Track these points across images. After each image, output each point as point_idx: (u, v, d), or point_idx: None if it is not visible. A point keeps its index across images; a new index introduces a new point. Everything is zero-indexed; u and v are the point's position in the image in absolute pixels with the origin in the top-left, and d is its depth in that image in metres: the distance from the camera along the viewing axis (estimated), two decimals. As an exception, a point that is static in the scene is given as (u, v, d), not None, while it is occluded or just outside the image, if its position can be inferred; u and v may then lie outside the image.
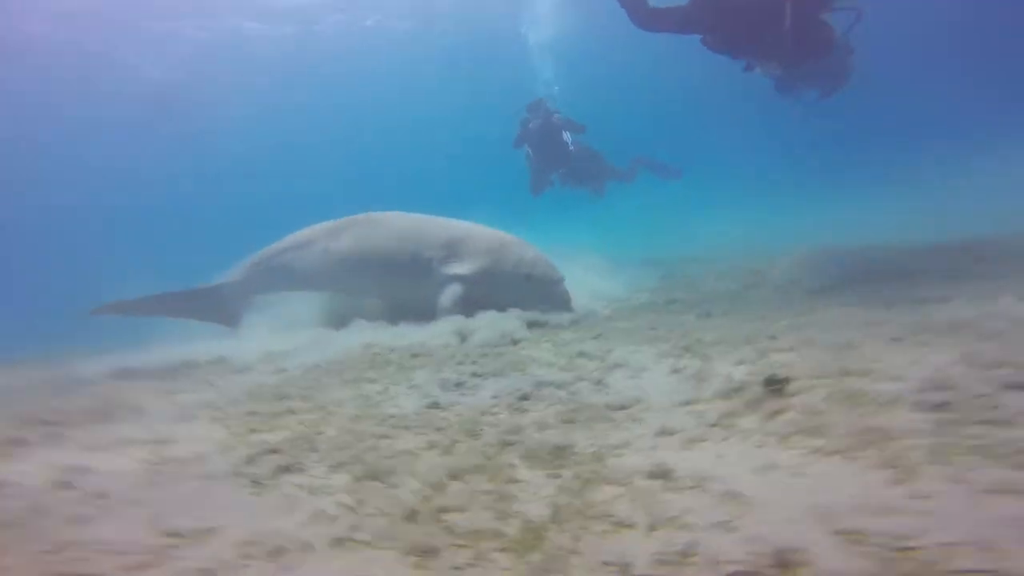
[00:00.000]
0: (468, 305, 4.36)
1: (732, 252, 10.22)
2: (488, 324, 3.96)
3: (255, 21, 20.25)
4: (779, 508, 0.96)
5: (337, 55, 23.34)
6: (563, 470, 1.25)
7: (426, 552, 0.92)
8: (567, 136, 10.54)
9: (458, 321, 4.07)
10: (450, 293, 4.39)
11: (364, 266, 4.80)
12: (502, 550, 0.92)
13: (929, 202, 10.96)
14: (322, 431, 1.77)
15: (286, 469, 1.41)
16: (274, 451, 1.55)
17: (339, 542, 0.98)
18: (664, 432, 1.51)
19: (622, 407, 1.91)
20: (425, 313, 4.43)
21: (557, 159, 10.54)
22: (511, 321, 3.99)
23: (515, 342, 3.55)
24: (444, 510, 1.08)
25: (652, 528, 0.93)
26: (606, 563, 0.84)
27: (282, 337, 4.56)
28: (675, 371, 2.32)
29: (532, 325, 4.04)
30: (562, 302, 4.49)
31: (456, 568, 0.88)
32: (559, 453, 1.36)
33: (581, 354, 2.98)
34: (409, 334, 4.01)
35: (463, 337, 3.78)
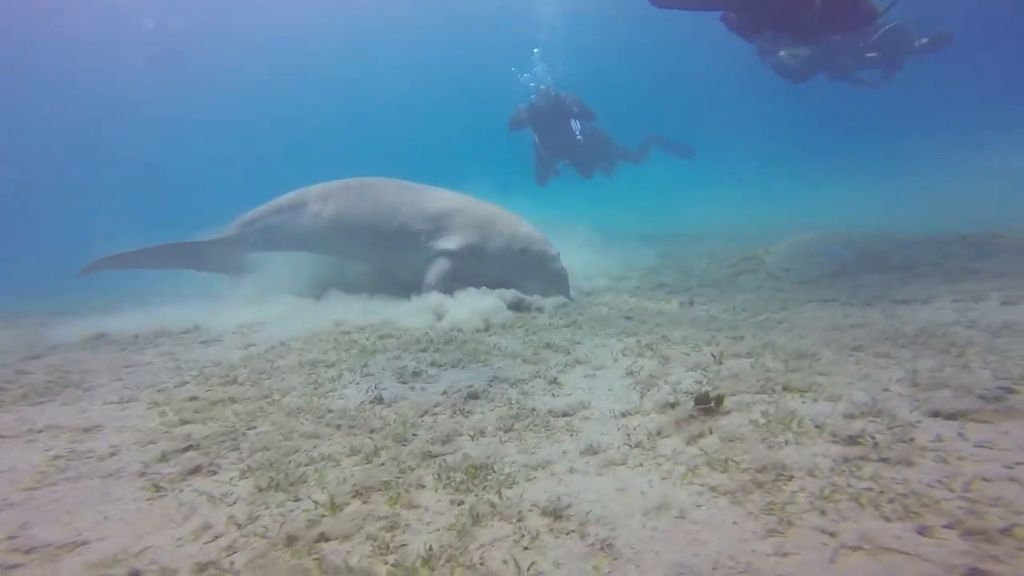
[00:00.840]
0: (458, 280, 4.24)
1: (735, 232, 10.08)
2: (467, 303, 3.89)
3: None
4: (642, 566, 0.91)
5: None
6: (469, 495, 1.21)
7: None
8: (575, 124, 9.90)
9: (437, 298, 4.01)
10: (437, 268, 4.25)
11: (352, 234, 4.69)
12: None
13: (947, 190, 10.56)
14: (255, 425, 1.74)
15: (196, 471, 1.38)
16: (194, 448, 1.52)
17: (202, 568, 0.95)
18: (589, 451, 1.46)
19: (564, 414, 1.86)
20: (413, 282, 4.35)
21: (565, 147, 9.90)
22: (492, 301, 3.88)
23: (488, 326, 3.48)
24: (326, 538, 1.04)
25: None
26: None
27: (263, 305, 4.54)
28: (630, 373, 2.26)
29: (513, 306, 3.94)
30: (558, 280, 4.28)
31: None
32: (475, 473, 1.31)
33: (548, 345, 2.92)
34: (385, 309, 3.97)
35: (439, 316, 3.73)
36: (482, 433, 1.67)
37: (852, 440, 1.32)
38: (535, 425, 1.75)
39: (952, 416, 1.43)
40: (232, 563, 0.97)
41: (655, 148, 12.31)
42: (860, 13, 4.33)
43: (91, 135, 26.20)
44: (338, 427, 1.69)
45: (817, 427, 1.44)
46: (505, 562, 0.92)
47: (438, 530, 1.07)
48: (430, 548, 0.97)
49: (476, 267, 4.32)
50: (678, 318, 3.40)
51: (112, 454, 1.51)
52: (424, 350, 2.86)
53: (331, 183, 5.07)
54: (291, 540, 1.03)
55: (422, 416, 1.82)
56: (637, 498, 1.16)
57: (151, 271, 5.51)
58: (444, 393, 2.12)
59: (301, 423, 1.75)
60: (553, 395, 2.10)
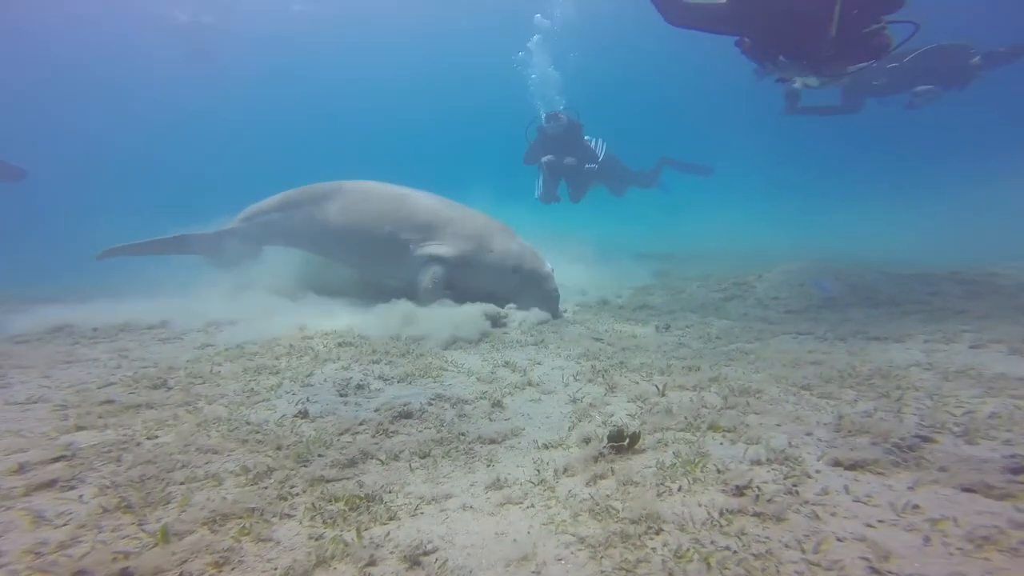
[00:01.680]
0: (450, 290, 4.19)
1: (737, 252, 10.00)
2: (443, 315, 3.82)
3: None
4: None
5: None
6: (332, 528, 1.12)
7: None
8: (599, 143, 9.70)
9: (406, 307, 3.93)
10: (430, 274, 4.17)
11: (343, 239, 4.66)
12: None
13: (960, 220, 10.37)
14: (157, 435, 1.66)
15: (49, 485, 1.30)
16: (66, 459, 1.44)
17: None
18: (495, 485, 1.37)
19: (492, 441, 1.77)
20: (401, 288, 4.31)
21: (570, 172, 9.43)
22: (469, 315, 3.78)
23: (455, 340, 3.39)
24: (128, 574, 0.94)
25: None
26: None
27: (240, 302, 4.50)
28: (572, 400, 2.16)
29: (494, 321, 3.84)
30: (550, 299, 4.20)
31: None
32: (356, 504, 1.22)
33: (507, 363, 2.83)
34: (355, 315, 3.90)
35: (409, 322, 3.66)
36: (395, 458, 1.57)
37: (739, 490, 1.25)
38: (456, 452, 1.66)
39: (852, 466, 1.38)
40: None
41: (667, 170, 12.25)
42: (871, 47, 4.26)
43: (115, 128, 26.74)
44: (244, 442, 1.59)
45: (719, 472, 1.38)
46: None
47: (273, 570, 0.97)
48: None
49: (467, 278, 4.26)
50: (647, 343, 3.29)
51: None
52: (376, 362, 2.77)
53: (324, 185, 5.03)
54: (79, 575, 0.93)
55: (341, 435, 1.73)
56: (508, 546, 1.07)
57: (164, 257, 5.65)
58: (377, 410, 2.03)
59: (208, 436, 1.66)
60: (491, 419, 2.00)
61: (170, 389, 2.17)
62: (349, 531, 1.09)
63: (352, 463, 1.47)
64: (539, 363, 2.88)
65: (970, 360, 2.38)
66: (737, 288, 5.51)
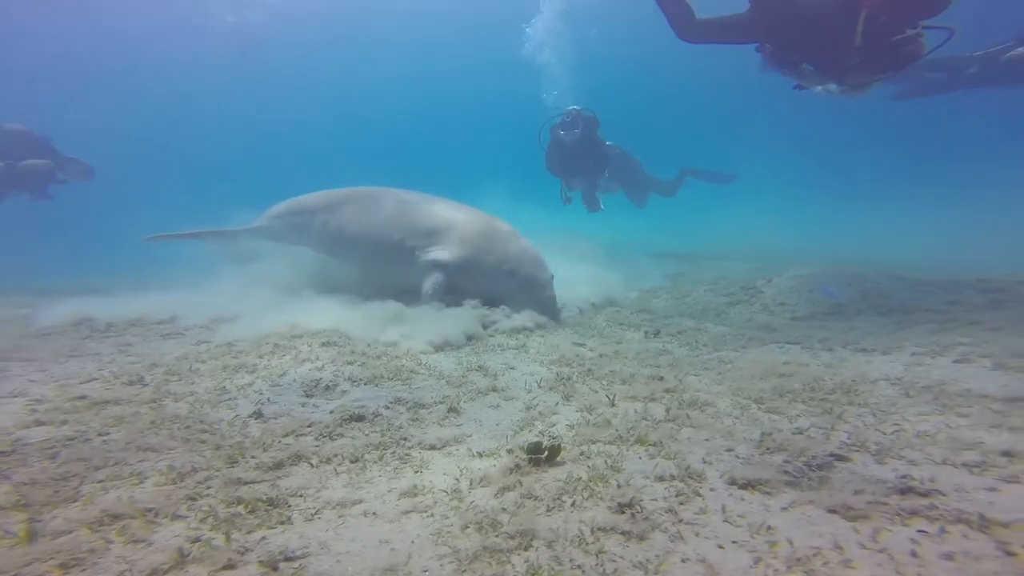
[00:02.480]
0: (453, 293, 4.25)
1: (755, 254, 9.67)
2: (432, 317, 3.88)
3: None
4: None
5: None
6: (215, 531, 1.15)
7: None
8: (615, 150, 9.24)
9: (395, 308, 4.02)
10: (431, 281, 4.27)
11: (352, 245, 4.84)
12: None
13: (1001, 222, 9.61)
14: (107, 433, 1.76)
15: None
16: (1, 455, 1.55)
17: None
18: (410, 492, 1.39)
19: (432, 447, 1.80)
20: (413, 289, 4.37)
21: (588, 173, 9.03)
22: (459, 317, 3.82)
23: (444, 343, 3.41)
24: None
25: None
26: None
27: (247, 298, 4.70)
28: (528, 408, 2.16)
29: (484, 323, 3.85)
30: (546, 306, 4.16)
31: None
32: (255, 507, 1.25)
33: (480, 368, 2.85)
34: (349, 312, 4.01)
35: (398, 322, 3.74)
36: (327, 461, 1.62)
37: (621, 508, 1.24)
38: (391, 457, 1.69)
39: (745, 485, 1.36)
40: None
41: (689, 180, 11.92)
42: (900, 55, 4.01)
43: (165, 125, 28.34)
44: (187, 441, 1.67)
45: (619, 487, 1.36)
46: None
47: (126, 572, 1.02)
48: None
49: (467, 282, 4.30)
50: (629, 350, 3.24)
51: None
52: (351, 363, 2.85)
53: (340, 191, 5.25)
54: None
55: (285, 436, 1.80)
56: (383, 555, 1.09)
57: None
58: (332, 412, 2.09)
59: (157, 434, 1.75)
60: (441, 425, 2.03)
61: (145, 386, 2.30)
62: (231, 534, 1.14)
63: (279, 466, 1.52)
64: (512, 368, 2.89)
65: (945, 375, 2.27)
66: (744, 293, 5.32)
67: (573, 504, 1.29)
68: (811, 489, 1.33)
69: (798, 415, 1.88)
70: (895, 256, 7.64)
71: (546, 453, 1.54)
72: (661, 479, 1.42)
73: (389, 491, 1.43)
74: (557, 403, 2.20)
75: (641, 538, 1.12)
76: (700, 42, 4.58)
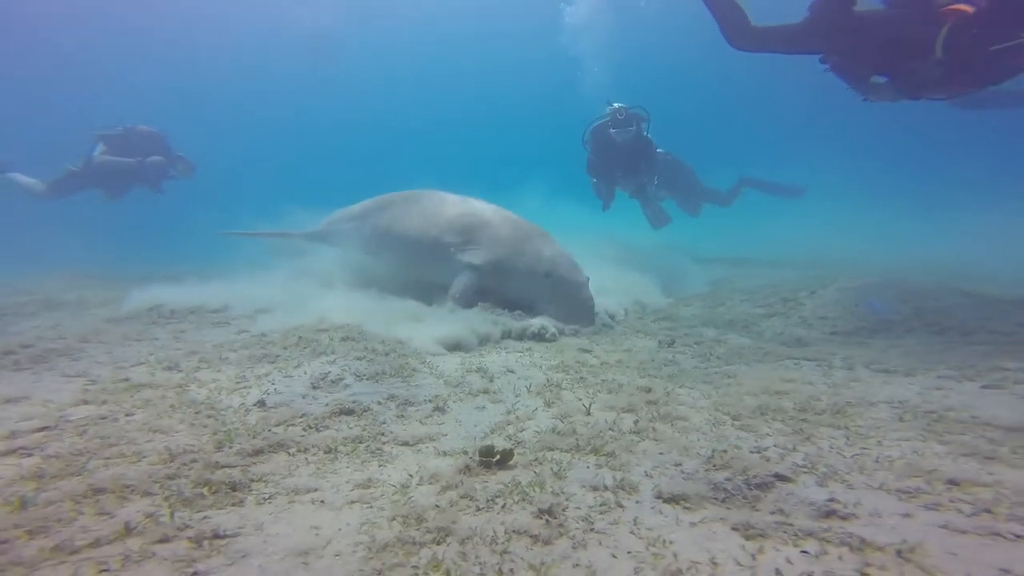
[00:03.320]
0: (484, 295, 4.30)
1: (820, 261, 8.97)
2: (453, 319, 3.99)
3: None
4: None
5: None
6: (174, 508, 1.31)
7: None
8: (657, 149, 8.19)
9: (413, 307, 4.22)
10: (461, 282, 4.32)
11: (396, 246, 5.00)
12: None
13: None
14: (132, 414, 2.02)
15: (12, 452, 1.67)
16: (47, 429, 1.82)
17: None
18: (363, 485, 1.50)
19: (407, 443, 1.91)
20: (446, 288, 4.45)
21: (645, 173, 8.20)
22: (481, 323, 3.85)
23: (458, 344, 3.52)
24: None
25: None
26: None
27: (289, 291, 5.13)
28: (509, 411, 2.23)
29: (505, 333, 3.79)
30: (581, 308, 4.10)
31: None
32: (216, 489, 1.41)
33: (480, 369, 2.95)
34: (371, 307, 4.26)
35: (416, 321, 3.91)
36: (304, 451, 1.79)
37: (541, 513, 1.28)
38: (364, 450, 1.82)
39: (669, 499, 1.38)
40: None
41: (746, 190, 11.21)
42: (993, 70, 3.55)
43: (248, 127, 31.06)
44: (192, 425, 1.91)
45: (553, 494, 1.41)
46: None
47: (81, 540, 1.17)
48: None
49: (500, 283, 4.34)
50: (634, 359, 3.20)
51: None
52: (361, 358, 3.05)
53: (387, 195, 5.49)
54: None
55: (277, 425, 2.00)
56: (306, 539, 1.20)
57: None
58: (327, 405, 2.28)
59: (171, 417, 2.00)
60: (423, 423, 2.15)
61: (179, 371, 2.63)
62: (181, 511, 1.30)
63: (259, 452, 1.70)
64: (511, 371, 2.95)
65: (961, 401, 2.11)
66: (784, 304, 5.00)
67: (503, 507, 1.35)
68: (736, 507, 1.32)
69: (768, 434, 1.81)
70: (976, 269, 6.78)
71: (498, 457, 1.61)
72: (595, 489, 1.44)
73: (347, 482, 1.56)
74: (536, 409, 2.25)
75: (546, 543, 1.17)
76: (755, 51, 4.31)
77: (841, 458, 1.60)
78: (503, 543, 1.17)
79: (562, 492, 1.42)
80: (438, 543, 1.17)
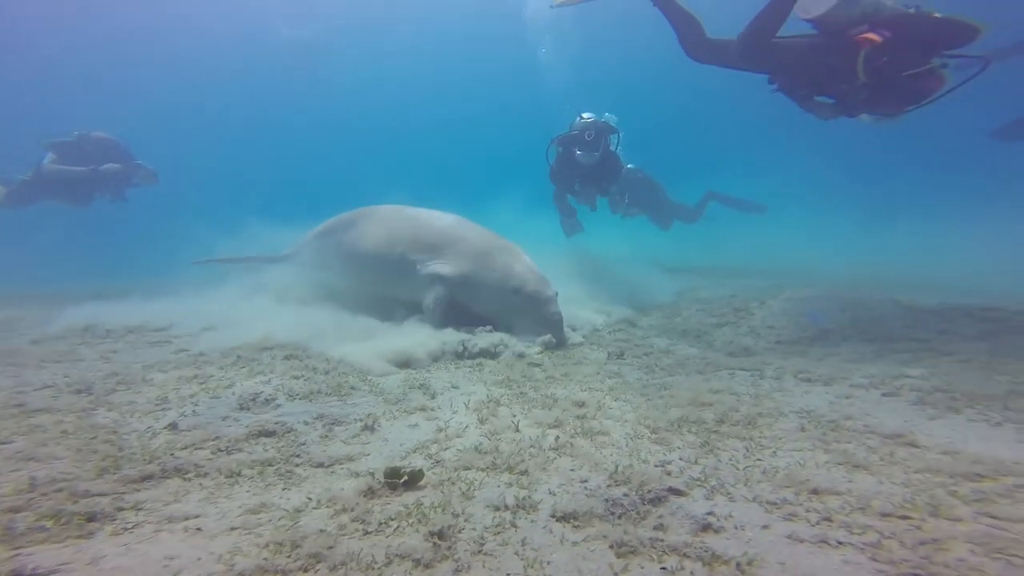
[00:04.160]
0: (456, 309, 4.24)
1: (779, 271, 9.27)
2: (404, 336, 3.93)
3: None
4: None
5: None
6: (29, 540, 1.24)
7: None
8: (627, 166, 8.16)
9: (368, 323, 4.15)
10: (433, 296, 4.26)
11: (361, 262, 4.88)
12: None
13: None
14: (11, 441, 1.90)
15: None
16: None
17: None
18: (253, 511, 1.44)
19: (322, 465, 1.84)
20: (413, 306, 4.42)
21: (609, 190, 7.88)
22: (434, 339, 3.79)
23: (408, 361, 3.46)
24: None
25: None
26: None
27: (240, 308, 4.98)
28: (440, 429, 2.19)
29: (460, 352, 3.70)
30: (550, 323, 4.04)
31: None
32: (68, 520, 1.33)
33: (422, 386, 2.90)
34: (322, 324, 4.16)
35: (366, 338, 3.83)
36: (204, 475, 1.70)
37: (431, 536, 1.26)
38: (273, 473, 1.74)
39: (562, 518, 1.39)
40: None
41: (714, 205, 11.59)
42: (913, 91, 3.83)
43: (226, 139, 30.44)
44: (80, 451, 1.80)
45: (453, 515, 1.38)
46: None
47: None
48: None
49: (469, 298, 4.28)
50: (580, 372, 3.20)
51: None
52: (298, 377, 2.97)
53: (350, 212, 5.34)
54: None
55: (184, 449, 1.90)
56: (148, 571, 1.14)
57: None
58: (248, 427, 2.20)
59: (59, 443, 1.88)
60: (347, 443, 2.09)
61: (90, 394, 2.49)
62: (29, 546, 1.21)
63: (147, 478, 1.60)
64: (456, 387, 2.91)
65: (861, 409, 2.22)
66: (737, 314, 5.12)
67: (396, 530, 1.31)
68: (623, 523, 1.32)
69: (678, 447, 1.83)
70: (919, 278, 7.11)
71: (405, 478, 1.57)
72: (497, 509, 1.41)
73: (239, 507, 1.48)
74: (468, 427, 2.21)
75: (427, 566, 1.14)
76: (709, 62, 4.50)
77: (734, 470, 1.62)
78: (380, 568, 1.13)
79: (463, 513, 1.39)
80: (305, 570, 1.12)
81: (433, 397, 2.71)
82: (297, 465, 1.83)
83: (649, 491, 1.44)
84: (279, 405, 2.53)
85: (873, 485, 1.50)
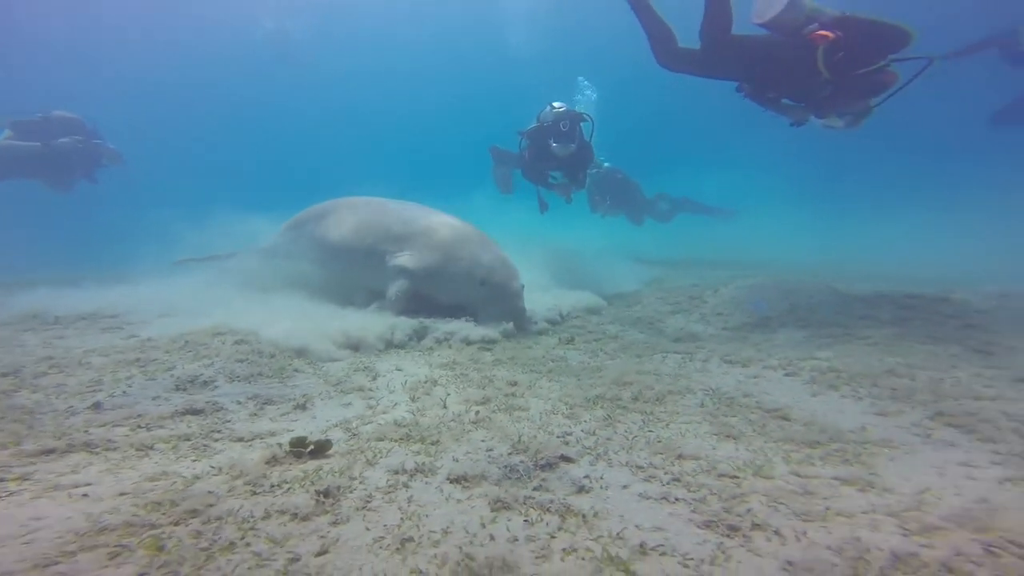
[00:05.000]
0: (421, 301, 4.24)
1: (746, 262, 9.53)
2: (362, 322, 3.94)
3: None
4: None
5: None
6: None
7: None
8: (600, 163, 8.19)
9: (329, 311, 4.16)
10: (396, 287, 4.24)
11: (332, 252, 4.84)
12: None
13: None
14: None
15: None
16: None
17: None
18: (150, 479, 1.47)
19: (240, 439, 1.87)
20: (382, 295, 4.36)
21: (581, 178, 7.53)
22: (387, 325, 3.79)
23: (359, 345, 3.50)
24: None
25: None
26: None
27: (202, 295, 4.93)
28: (370, 407, 2.25)
29: (413, 337, 3.75)
30: (515, 315, 4.07)
31: None
32: None
33: (366, 368, 2.95)
34: (281, 313, 4.15)
35: (326, 324, 3.83)
36: (113, 450, 1.71)
37: (318, 495, 1.33)
38: (188, 448, 1.76)
39: (455, 480, 1.48)
40: None
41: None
42: (873, 84, 4.05)
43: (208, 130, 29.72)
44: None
45: (350, 478, 1.44)
46: None
47: None
48: None
49: (435, 289, 4.28)
50: (528, 355, 3.29)
51: None
52: (243, 360, 2.99)
53: (316, 206, 5.30)
54: None
55: (101, 427, 1.89)
56: (10, 532, 1.18)
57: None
58: (176, 406, 2.23)
59: None
60: (274, 420, 2.14)
61: (16, 377, 2.48)
62: None
63: (49, 452, 1.63)
64: (400, 370, 2.97)
65: (758, 388, 2.40)
66: (691, 302, 5.28)
67: (287, 491, 1.37)
68: (516, 485, 1.42)
69: (586, 421, 1.93)
70: (874, 267, 7.39)
71: (311, 447, 1.63)
72: (396, 472, 1.49)
73: (138, 476, 1.52)
74: (396, 404, 2.28)
75: (304, 519, 1.21)
76: (678, 70, 4.64)
77: (624, 440, 1.73)
78: (256, 521, 1.19)
79: (359, 476, 1.46)
80: (176, 524, 1.17)
81: (375, 379, 2.77)
82: (216, 440, 1.87)
83: (543, 458, 1.53)
84: (217, 387, 2.55)
85: (731, 452, 1.63)
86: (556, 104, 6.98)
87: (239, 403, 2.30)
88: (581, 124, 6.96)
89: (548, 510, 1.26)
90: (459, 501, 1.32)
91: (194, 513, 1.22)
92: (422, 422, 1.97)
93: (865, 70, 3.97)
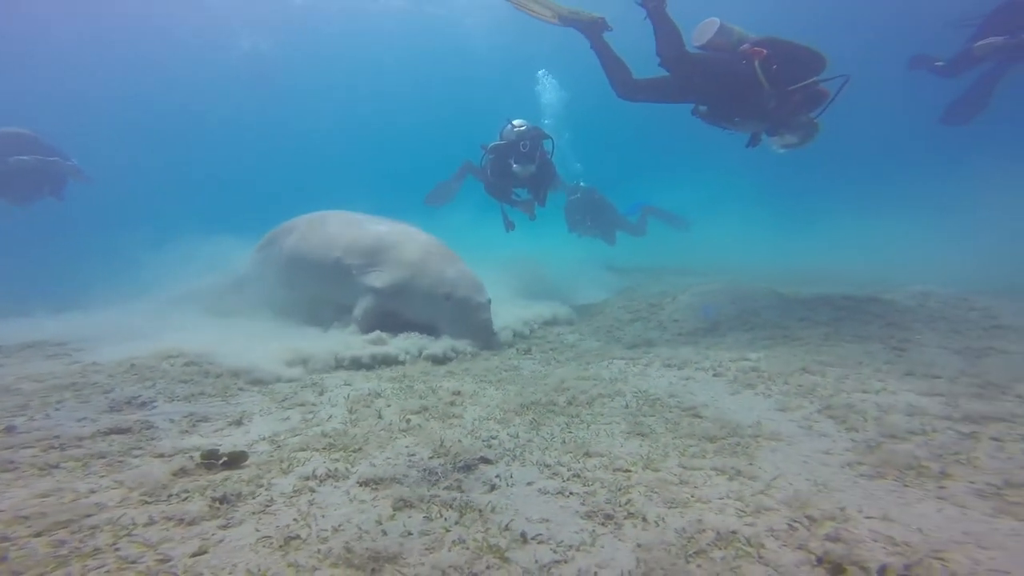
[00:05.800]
0: (386, 318, 4.22)
1: (719, 270, 9.73)
2: (322, 338, 3.94)
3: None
4: None
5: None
6: None
7: None
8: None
9: (298, 331, 4.14)
10: (362, 305, 4.23)
11: (300, 269, 4.80)
12: None
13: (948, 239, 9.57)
14: None
15: None
16: None
17: None
18: (45, 495, 1.45)
19: (162, 455, 1.85)
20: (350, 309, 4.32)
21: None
22: (347, 342, 3.78)
23: (304, 367, 3.45)
24: None
25: None
26: None
27: (160, 319, 4.85)
28: (304, 420, 2.24)
29: (372, 354, 3.62)
30: (480, 330, 4.06)
31: None
32: None
33: (315, 385, 2.93)
34: (237, 333, 4.12)
35: (282, 343, 3.80)
36: (10, 471, 1.65)
37: (215, 501, 1.34)
38: (101, 465, 1.72)
39: (366, 483, 1.48)
40: None
41: (652, 219, 12.22)
42: (811, 96, 4.42)
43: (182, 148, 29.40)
44: None
45: (256, 487, 1.44)
46: None
47: None
48: None
49: (403, 306, 4.26)
50: (482, 366, 3.32)
51: None
52: (187, 381, 2.95)
53: (286, 222, 5.25)
54: None
55: (7, 449, 1.83)
56: None
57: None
58: (100, 427, 2.17)
59: None
60: (204, 436, 2.11)
61: None
62: None
63: None
64: (348, 384, 2.96)
65: (684, 389, 2.48)
66: (651, 309, 5.39)
67: (183, 499, 1.36)
68: (423, 486, 1.45)
69: (514, 424, 1.96)
70: (825, 270, 7.67)
71: (224, 459, 1.62)
72: (306, 479, 1.50)
73: (28, 494, 1.47)
74: (331, 416, 2.27)
75: (191, 524, 1.21)
76: (636, 100, 4.98)
77: (543, 441, 1.77)
78: (137, 527, 1.18)
79: (267, 484, 1.46)
80: (38, 535, 1.16)
81: (321, 394, 2.75)
82: (136, 456, 1.83)
83: (462, 461, 1.56)
84: (155, 407, 2.51)
85: (635, 448, 1.68)
86: (516, 122, 6.80)
87: (172, 421, 2.27)
88: (543, 142, 6.82)
89: (450, 507, 1.28)
90: (363, 502, 1.33)
91: (64, 524, 1.20)
92: (352, 432, 1.98)
93: (799, 84, 4.33)
